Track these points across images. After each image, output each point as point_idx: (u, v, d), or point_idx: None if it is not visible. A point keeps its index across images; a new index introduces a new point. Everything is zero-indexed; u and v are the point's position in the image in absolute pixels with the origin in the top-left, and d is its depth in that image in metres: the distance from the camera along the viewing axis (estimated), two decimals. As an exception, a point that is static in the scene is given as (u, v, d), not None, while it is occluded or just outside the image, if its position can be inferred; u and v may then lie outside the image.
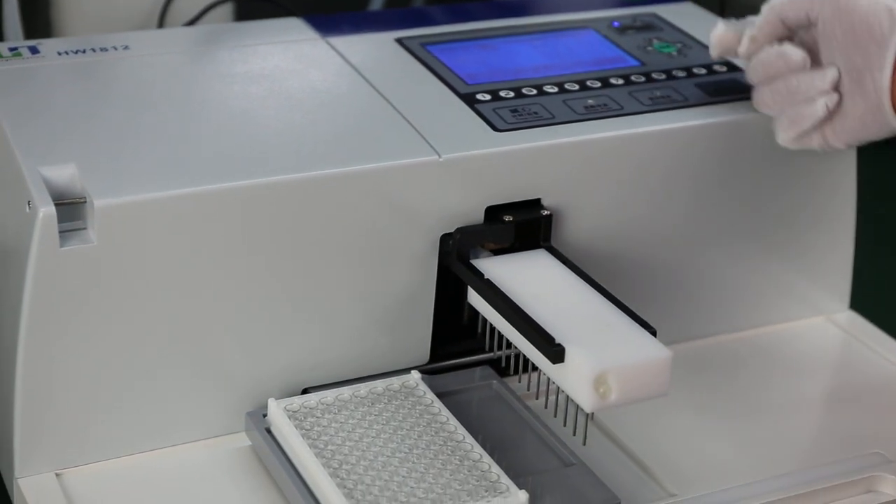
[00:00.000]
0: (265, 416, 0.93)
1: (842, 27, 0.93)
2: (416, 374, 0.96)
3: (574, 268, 0.95)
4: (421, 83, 1.03)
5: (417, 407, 0.93)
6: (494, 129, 0.98)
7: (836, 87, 0.95)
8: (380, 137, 0.96)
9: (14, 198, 0.89)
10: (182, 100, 0.99)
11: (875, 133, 0.95)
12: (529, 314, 0.89)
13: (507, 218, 0.97)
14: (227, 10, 1.33)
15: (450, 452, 0.89)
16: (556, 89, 1.03)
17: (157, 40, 1.09)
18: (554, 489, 0.88)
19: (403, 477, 0.87)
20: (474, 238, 0.96)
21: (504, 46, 1.09)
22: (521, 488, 0.86)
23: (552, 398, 0.91)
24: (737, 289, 1.08)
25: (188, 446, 0.94)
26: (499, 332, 0.94)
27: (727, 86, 1.06)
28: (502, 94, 1.02)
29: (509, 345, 0.93)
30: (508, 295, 0.91)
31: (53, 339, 0.88)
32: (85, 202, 0.88)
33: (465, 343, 1.00)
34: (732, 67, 1.08)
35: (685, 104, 1.03)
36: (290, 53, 1.06)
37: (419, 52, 1.07)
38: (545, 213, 0.98)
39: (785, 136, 0.98)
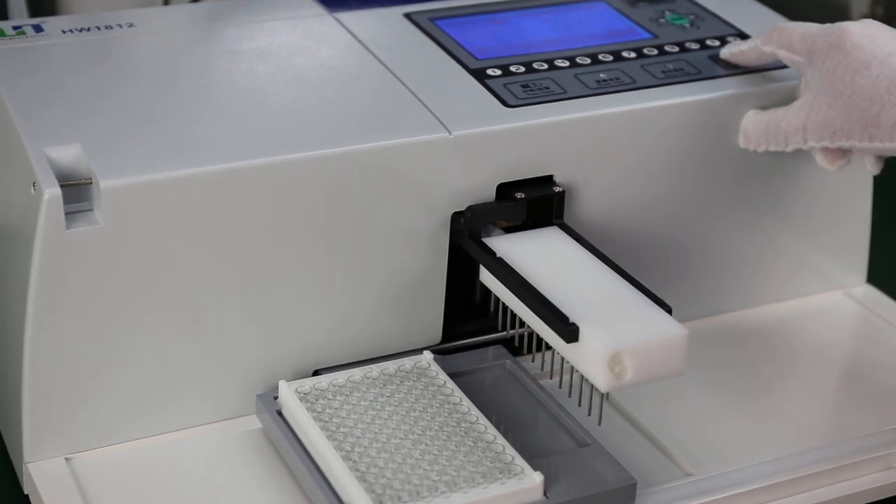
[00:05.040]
0: (276, 398, 0.92)
1: (843, 86, 0.92)
2: (428, 355, 0.95)
3: (587, 245, 0.94)
4: (430, 59, 1.02)
5: (430, 388, 0.92)
6: (505, 104, 0.97)
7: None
8: (389, 114, 0.95)
9: (19, 179, 0.88)
10: (188, 78, 0.98)
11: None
12: (542, 293, 0.88)
13: (519, 195, 0.95)
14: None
15: (463, 434, 0.88)
16: (567, 63, 1.02)
17: (163, 17, 1.07)
18: (569, 470, 0.87)
19: (416, 459, 0.86)
20: (486, 216, 0.95)
21: (514, 20, 1.08)
22: (535, 469, 0.85)
23: (566, 378, 0.90)
24: (753, 264, 1.07)
25: (199, 429, 0.93)
26: (511, 312, 0.93)
27: (741, 58, 1.04)
28: (513, 69, 1.01)
29: (522, 324, 0.92)
30: (521, 273, 0.90)
31: (61, 323, 0.87)
32: (91, 183, 0.87)
33: (477, 322, 0.99)
34: (746, 39, 1.06)
35: (698, 77, 1.02)
36: (298, 30, 1.05)
37: (428, 26, 1.06)
38: (557, 189, 0.96)
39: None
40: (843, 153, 0.96)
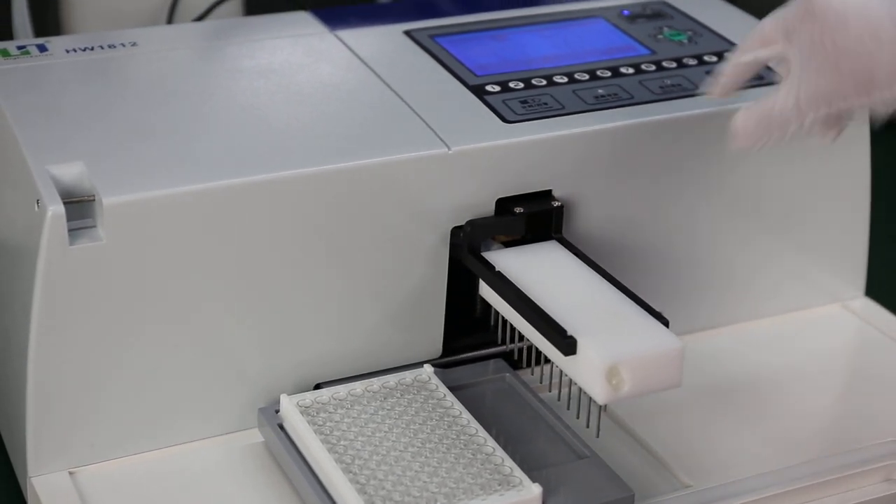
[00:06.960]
0: (277, 411, 0.92)
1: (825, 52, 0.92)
2: (428, 368, 0.95)
3: (586, 259, 0.95)
4: (430, 75, 1.03)
5: (430, 401, 0.92)
6: (504, 120, 0.97)
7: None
8: (389, 130, 0.95)
9: (23, 196, 0.89)
10: (190, 96, 0.98)
11: None
12: (541, 306, 0.88)
13: (518, 210, 0.96)
14: (236, 4, 1.32)
15: (463, 446, 0.88)
16: (565, 79, 1.03)
17: (165, 36, 1.08)
18: (568, 482, 0.88)
19: (416, 471, 0.86)
20: (485, 230, 0.96)
21: (513, 37, 1.09)
22: (534, 481, 0.85)
23: (565, 390, 0.91)
24: (750, 277, 1.07)
25: (201, 443, 0.93)
26: (511, 325, 0.93)
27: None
28: (512, 85, 1.01)
29: (522, 337, 0.92)
30: (520, 287, 0.91)
31: (64, 338, 0.88)
32: (94, 200, 0.87)
33: (477, 336, 0.99)
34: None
35: (696, 92, 1.02)
36: (299, 47, 1.06)
37: (428, 43, 1.06)
38: (556, 204, 0.97)
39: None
40: (834, 123, 0.93)
